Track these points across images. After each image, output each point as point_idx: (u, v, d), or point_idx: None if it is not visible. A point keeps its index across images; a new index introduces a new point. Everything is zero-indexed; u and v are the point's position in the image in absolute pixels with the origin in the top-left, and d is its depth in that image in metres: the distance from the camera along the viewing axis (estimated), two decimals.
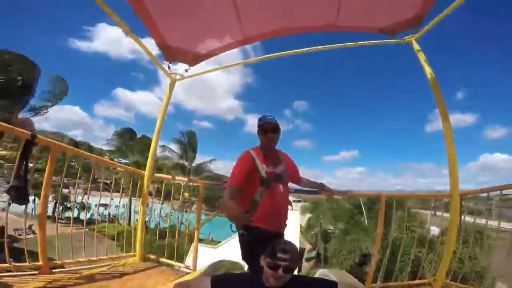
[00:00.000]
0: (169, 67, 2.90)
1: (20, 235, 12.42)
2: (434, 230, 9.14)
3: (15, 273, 1.76)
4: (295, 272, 1.32)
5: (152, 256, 2.76)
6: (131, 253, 2.66)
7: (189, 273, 2.54)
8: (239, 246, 1.87)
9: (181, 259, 2.93)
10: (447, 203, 2.62)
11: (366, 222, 12.72)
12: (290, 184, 2.07)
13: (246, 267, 1.70)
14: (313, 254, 17.98)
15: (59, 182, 2.38)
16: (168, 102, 3.03)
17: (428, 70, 2.43)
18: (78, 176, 2.71)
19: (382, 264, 2.79)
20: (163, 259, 2.77)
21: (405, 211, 4.48)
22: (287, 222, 1.93)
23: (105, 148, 22.89)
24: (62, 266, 2.10)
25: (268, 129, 1.80)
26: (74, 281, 1.85)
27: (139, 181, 2.97)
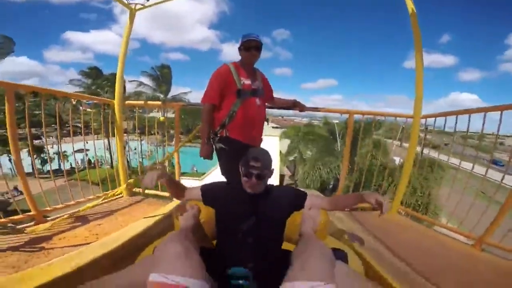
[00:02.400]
0: None
1: (9, 198, 12.12)
2: (396, 160, 9.98)
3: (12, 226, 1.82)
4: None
5: (137, 190, 2.91)
6: (116, 190, 2.79)
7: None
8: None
9: (165, 190, 3.12)
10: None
11: (339, 147, 13.64)
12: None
13: None
14: (293, 180, 19.43)
15: (27, 134, 2.22)
16: (129, 33, 2.77)
17: (410, 5, 2.39)
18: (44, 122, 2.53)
19: (350, 187, 3.15)
20: (148, 191, 2.93)
21: (371, 136, 4.81)
22: (263, 140, 2.12)
23: (69, 90, 20.94)
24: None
25: (252, 46, 1.89)
26: (70, 225, 1.97)
27: (110, 118, 2.86)
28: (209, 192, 1.41)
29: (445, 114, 2.58)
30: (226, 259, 1.19)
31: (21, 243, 1.64)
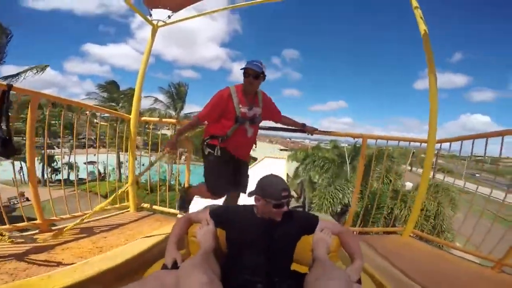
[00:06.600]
0: (150, 14, 2.71)
1: (15, 203, 12.38)
2: (408, 185, 9.76)
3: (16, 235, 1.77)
4: None
5: (145, 205, 2.89)
6: (124, 204, 2.78)
7: None
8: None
9: (173, 207, 3.10)
10: (422, 160, 2.76)
11: (348, 171, 13.33)
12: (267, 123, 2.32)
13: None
14: (299, 202, 19.02)
15: (42, 144, 2.32)
16: (151, 49, 2.90)
17: (422, 26, 2.39)
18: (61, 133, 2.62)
19: (360, 211, 3.04)
20: (156, 207, 2.93)
21: (383, 162, 4.63)
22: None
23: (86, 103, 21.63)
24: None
25: (250, 74, 1.88)
26: (74, 236, 1.93)
27: (125, 133, 2.93)
28: (220, 215, 1.41)
29: (461, 138, 2.48)
30: (236, 280, 1.16)
31: (22, 251, 1.59)
